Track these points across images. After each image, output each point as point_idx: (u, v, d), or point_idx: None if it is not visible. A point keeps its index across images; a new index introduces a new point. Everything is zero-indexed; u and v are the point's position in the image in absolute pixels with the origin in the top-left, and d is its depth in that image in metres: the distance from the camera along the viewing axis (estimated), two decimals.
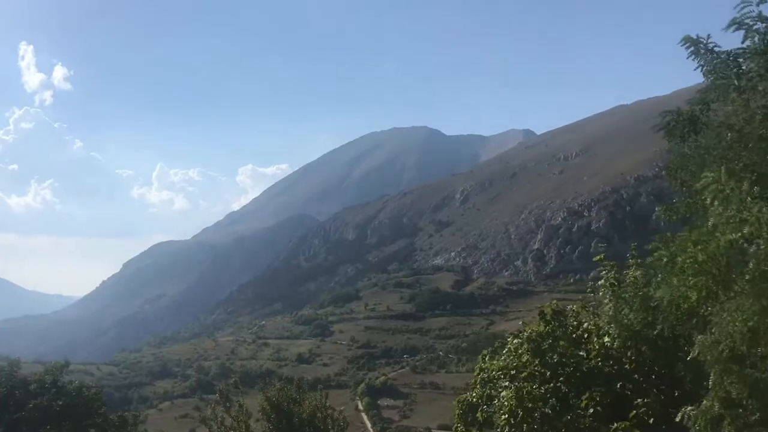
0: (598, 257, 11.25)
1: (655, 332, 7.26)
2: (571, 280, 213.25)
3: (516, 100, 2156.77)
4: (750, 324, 5.07)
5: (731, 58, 7.22)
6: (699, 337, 5.89)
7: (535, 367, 9.10)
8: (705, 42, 7.55)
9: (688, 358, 6.29)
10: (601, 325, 9.45)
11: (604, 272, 10.62)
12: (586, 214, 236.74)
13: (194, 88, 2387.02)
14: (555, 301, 10.45)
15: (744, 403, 5.51)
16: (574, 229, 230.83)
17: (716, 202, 5.50)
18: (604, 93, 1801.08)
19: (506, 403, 8.86)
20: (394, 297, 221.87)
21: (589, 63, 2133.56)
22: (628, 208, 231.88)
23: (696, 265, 5.51)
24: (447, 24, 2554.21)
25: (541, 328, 9.52)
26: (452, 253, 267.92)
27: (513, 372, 9.31)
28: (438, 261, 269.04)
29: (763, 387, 5.25)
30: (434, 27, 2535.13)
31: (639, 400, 7.97)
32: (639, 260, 9.11)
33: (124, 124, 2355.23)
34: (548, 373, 8.94)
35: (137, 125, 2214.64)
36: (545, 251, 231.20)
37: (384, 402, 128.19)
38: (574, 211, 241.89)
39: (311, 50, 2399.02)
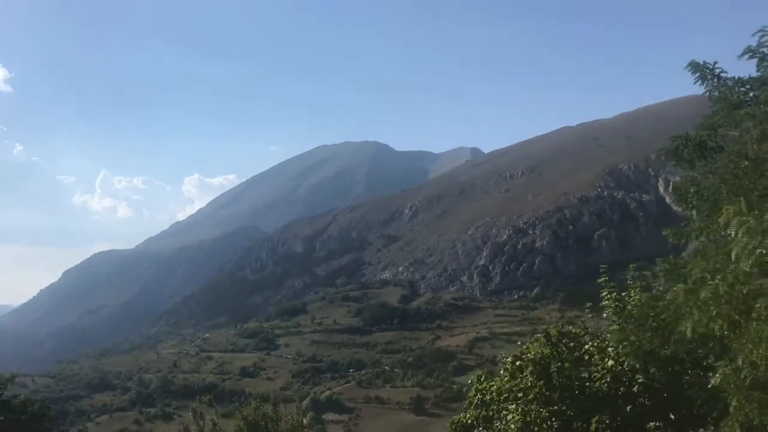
0: (602, 278, 11.29)
1: (667, 354, 7.21)
2: (515, 297, 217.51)
3: (465, 119, 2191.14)
4: None
5: (740, 85, 7.44)
6: (719, 363, 5.93)
7: (540, 389, 8.97)
8: (711, 68, 7.73)
9: (710, 385, 6.23)
10: (603, 346, 9.48)
11: (605, 294, 10.66)
12: (531, 232, 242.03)
13: (140, 95, 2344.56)
14: (560, 323, 10.53)
15: (765, 429, 5.55)
16: (518, 247, 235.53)
17: (740, 234, 5.51)
18: (550, 115, 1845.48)
19: (513, 426, 8.83)
20: (342, 311, 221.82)
21: (536, 85, 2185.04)
22: (570, 227, 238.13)
23: (718, 297, 5.49)
24: (397, 40, 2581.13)
25: (546, 350, 9.37)
26: (400, 268, 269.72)
27: (521, 394, 9.14)
28: (386, 275, 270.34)
29: None
30: (386, 42, 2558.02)
31: (651, 423, 7.90)
32: (643, 282, 9.04)
33: (67, 129, 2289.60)
34: (555, 396, 8.85)
35: (81, 131, 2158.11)
36: (491, 267, 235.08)
37: (329, 416, 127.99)
38: (519, 228, 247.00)
39: (260, 61, 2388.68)
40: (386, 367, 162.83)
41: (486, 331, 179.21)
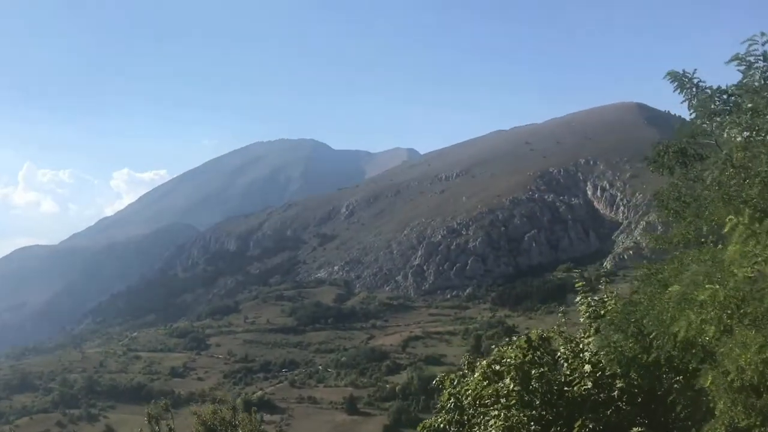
0: (578, 283, 11.32)
1: (649, 359, 7.15)
2: (448, 296, 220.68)
3: (402, 120, 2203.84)
4: (764, 356, 5.27)
5: (719, 94, 7.57)
6: (705, 367, 6.01)
7: (520, 394, 8.91)
8: (690, 77, 7.88)
9: (696, 388, 6.33)
10: (577, 350, 9.52)
11: (580, 299, 10.63)
12: (464, 233, 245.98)
13: (66, 85, 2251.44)
14: (540, 329, 10.43)
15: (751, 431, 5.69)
16: (452, 247, 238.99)
17: (742, 241, 5.63)
18: (484, 118, 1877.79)
19: (494, 431, 8.78)
20: (275, 310, 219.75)
21: (471, 88, 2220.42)
22: (503, 228, 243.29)
23: (716, 301, 5.57)
24: (334, 39, 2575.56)
25: (528, 356, 9.29)
26: (335, 267, 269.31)
27: (502, 400, 9.05)
28: (321, 274, 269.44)
29: None
30: (323, 40, 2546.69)
31: (635, 429, 7.86)
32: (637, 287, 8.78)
33: None
34: (536, 401, 8.83)
35: (3, 121, 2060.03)
36: (425, 267, 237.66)
37: (262, 417, 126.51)
38: (453, 229, 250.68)
39: (191, 52, 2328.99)
40: (320, 367, 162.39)
41: (419, 330, 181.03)
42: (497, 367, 9.51)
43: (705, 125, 7.81)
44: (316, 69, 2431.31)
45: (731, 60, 7.10)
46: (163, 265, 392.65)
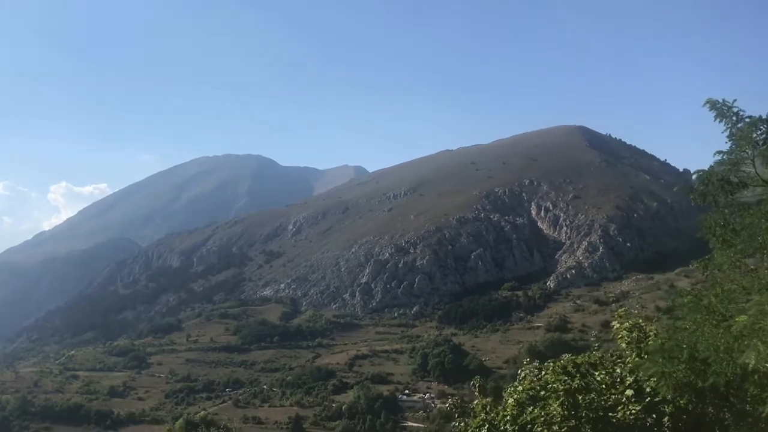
0: (620, 310, 10.94)
1: (705, 385, 7.13)
2: (395, 315, 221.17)
3: (350, 138, 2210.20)
4: None
5: (762, 123, 7.72)
6: None
7: (571, 421, 8.77)
8: (730, 105, 8.03)
9: (764, 415, 6.31)
10: (617, 376, 9.45)
11: (616, 324, 10.44)
12: (412, 251, 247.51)
13: (0, 94, 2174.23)
14: (585, 354, 10.14)
15: None
16: (400, 265, 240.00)
17: None
18: (431, 137, 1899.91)
19: None
20: (219, 328, 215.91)
21: (418, 107, 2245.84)
22: (449, 247, 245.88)
23: None
24: (282, 53, 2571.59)
25: (576, 382, 9.17)
26: (282, 285, 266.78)
27: (555, 426, 8.83)
28: (267, 292, 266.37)
29: None
30: (271, 55, 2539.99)
31: None
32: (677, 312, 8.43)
33: None
34: (587, 428, 8.71)
35: None
36: (373, 285, 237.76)
37: None
38: (401, 247, 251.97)
39: (131, 65, 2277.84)
40: (264, 386, 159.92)
41: (366, 348, 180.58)
42: (542, 393, 9.36)
43: (745, 154, 7.97)
44: (262, 83, 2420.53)
45: None
46: (103, 281, 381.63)
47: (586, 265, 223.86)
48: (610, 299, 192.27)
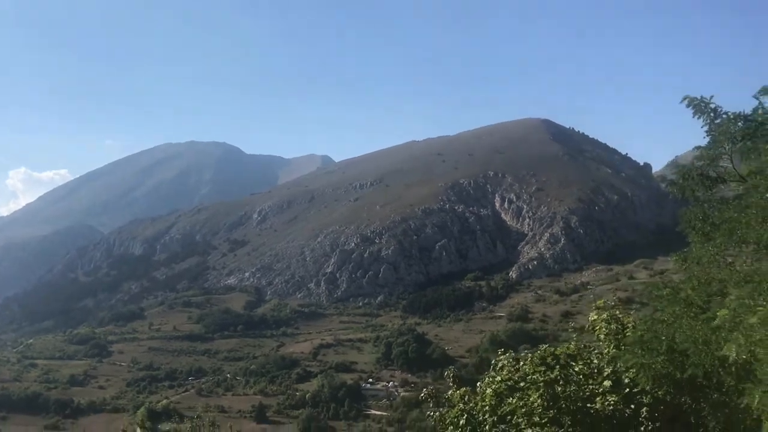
0: (599, 302, 11.01)
1: (684, 376, 7.31)
2: (360, 304, 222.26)
3: (317, 126, 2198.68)
4: None
5: (739, 120, 7.95)
6: (748, 386, 6.09)
7: (551, 412, 8.89)
8: (708, 102, 8.24)
9: (742, 405, 6.38)
10: (596, 366, 9.60)
11: (596, 316, 10.51)
12: (377, 241, 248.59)
13: None
14: (566, 346, 10.19)
15: None
16: (365, 255, 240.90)
17: None
18: (398, 128, 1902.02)
19: None
20: (182, 317, 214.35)
21: (385, 98, 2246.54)
22: (415, 237, 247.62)
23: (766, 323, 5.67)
24: (248, 40, 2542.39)
25: (556, 373, 9.27)
26: (246, 274, 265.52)
27: (536, 417, 8.94)
28: (231, 281, 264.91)
29: None
30: (237, 41, 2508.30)
31: None
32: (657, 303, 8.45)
33: None
34: (567, 419, 8.82)
35: None
36: (338, 275, 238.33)
37: (165, 427, 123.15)
38: (367, 237, 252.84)
39: (93, 49, 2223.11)
40: (228, 375, 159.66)
41: (331, 337, 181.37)
42: (522, 384, 9.44)
43: (723, 149, 8.26)
44: (228, 70, 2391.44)
45: (762, 92, 7.60)
46: (62, 268, 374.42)
47: (547, 256, 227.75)
48: (570, 290, 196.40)
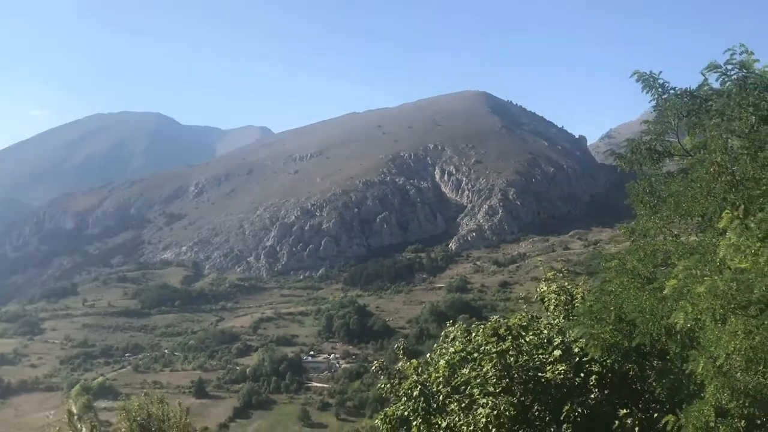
0: (550, 273, 11.17)
1: (632, 345, 7.49)
2: (301, 278, 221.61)
3: (254, 97, 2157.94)
4: (751, 342, 5.70)
5: (686, 96, 8.15)
6: (692, 353, 6.36)
7: (504, 381, 9.03)
8: (656, 77, 8.40)
9: (687, 371, 6.63)
10: (544, 336, 9.72)
11: (544, 287, 10.72)
12: (318, 214, 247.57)
13: None
14: (517, 316, 10.26)
15: (732, 412, 6.08)
16: (306, 228, 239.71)
17: (738, 234, 6.00)
18: (338, 100, 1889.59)
19: (483, 419, 8.82)
20: (117, 292, 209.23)
21: (325, 69, 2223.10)
22: (356, 210, 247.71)
23: (711, 293, 5.86)
24: (188, 11, 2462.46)
25: (508, 343, 9.36)
26: (183, 248, 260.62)
27: (491, 388, 9.11)
28: (168, 255, 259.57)
29: (759, 398, 5.97)
30: (176, 11, 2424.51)
31: (623, 410, 8.14)
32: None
33: None
34: (518, 388, 9.00)
35: None
36: (278, 248, 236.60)
37: (101, 404, 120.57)
38: (307, 210, 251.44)
39: (23, 7, 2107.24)
40: (166, 351, 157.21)
41: (271, 311, 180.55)
42: (475, 355, 9.55)
43: (670, 124, 8.47)
44: (163, 38, 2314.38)
45: (708, 68, 7.76)
46: None
47: (486, 227, 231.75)
48: (507, 261, 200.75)
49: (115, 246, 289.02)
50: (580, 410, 8.54)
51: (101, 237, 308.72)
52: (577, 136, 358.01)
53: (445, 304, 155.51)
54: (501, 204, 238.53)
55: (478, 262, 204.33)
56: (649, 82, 8.43)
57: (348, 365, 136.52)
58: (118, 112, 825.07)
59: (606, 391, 8.82)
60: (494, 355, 9.15)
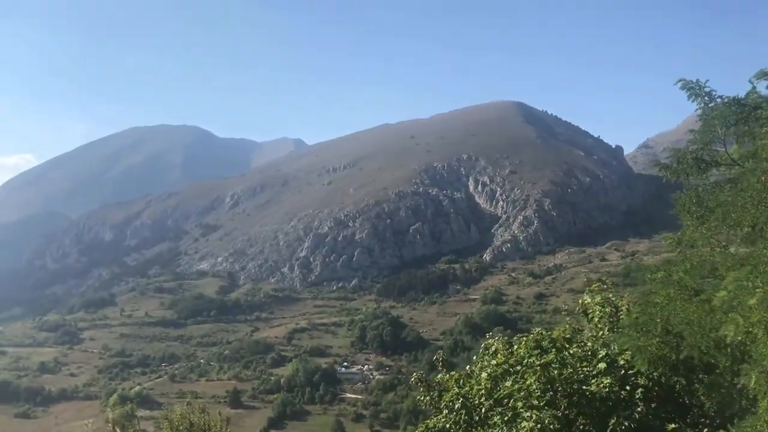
0: (595, 284, 11.03)
1: (680, 358, 7.37)
2: (334, 288, 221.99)
3: (289, 110, 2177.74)
4: None
5: (734, 105, 7.99)
6: (744, 367, 6.16)
7: (548, 394, 8.91)
8: (702, 85, 8.28)
9: (738, 386, 6.41)
10: (589, 349, 9.61)
11: (588, 299, 10.54)
12: (351, 225, 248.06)
13: None
14: (561, 328, 10.09)
15: None
16: (339, 239, 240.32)
17: None
18: (371, 111, 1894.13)
19: None
20: (154, 303, 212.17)
21: (359, 81, 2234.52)
22: (388, 221, 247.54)
23: (767, 305, 5.72)
24: (217, 24, 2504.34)
25: (552, 356, 9.24)
26: (219, 258, 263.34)
27: (535, 401, 8.97)
28: (203, 266, 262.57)
29: None
30: (207, 24, 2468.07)
31: (671, 425, 7.91)
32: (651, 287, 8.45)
33: None
34: (563, 402, 8.86)
35: None
36: (312, 259, 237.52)
37: (139, 413, 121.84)
38: (340, 221, 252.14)
39: (57, 28, 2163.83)
40: (201, 361, 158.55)
41: (305, 322, 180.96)
42: (518, 368, 9.44)
43: (717, 133, 8.29)
44: (199, 52, 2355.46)
45: (757, 76, 7.69)
46: (30, 255, 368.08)
47: (521, 238, 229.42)
48: (543, 272, 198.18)
49: (152, 257, 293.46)
50: (626, 424, 8.34)
51: (138, 248, 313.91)
52: (613, 146, 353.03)
53: (480, 316, 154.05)
54: (536, 215, 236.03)
55: (513, 274, 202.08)
56: (695, 90, 8.27)
57: (382, 377, 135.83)
58: (156, 125, 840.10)
59: (653, 405, 8.61)
60: (538, 368, 9.02)
